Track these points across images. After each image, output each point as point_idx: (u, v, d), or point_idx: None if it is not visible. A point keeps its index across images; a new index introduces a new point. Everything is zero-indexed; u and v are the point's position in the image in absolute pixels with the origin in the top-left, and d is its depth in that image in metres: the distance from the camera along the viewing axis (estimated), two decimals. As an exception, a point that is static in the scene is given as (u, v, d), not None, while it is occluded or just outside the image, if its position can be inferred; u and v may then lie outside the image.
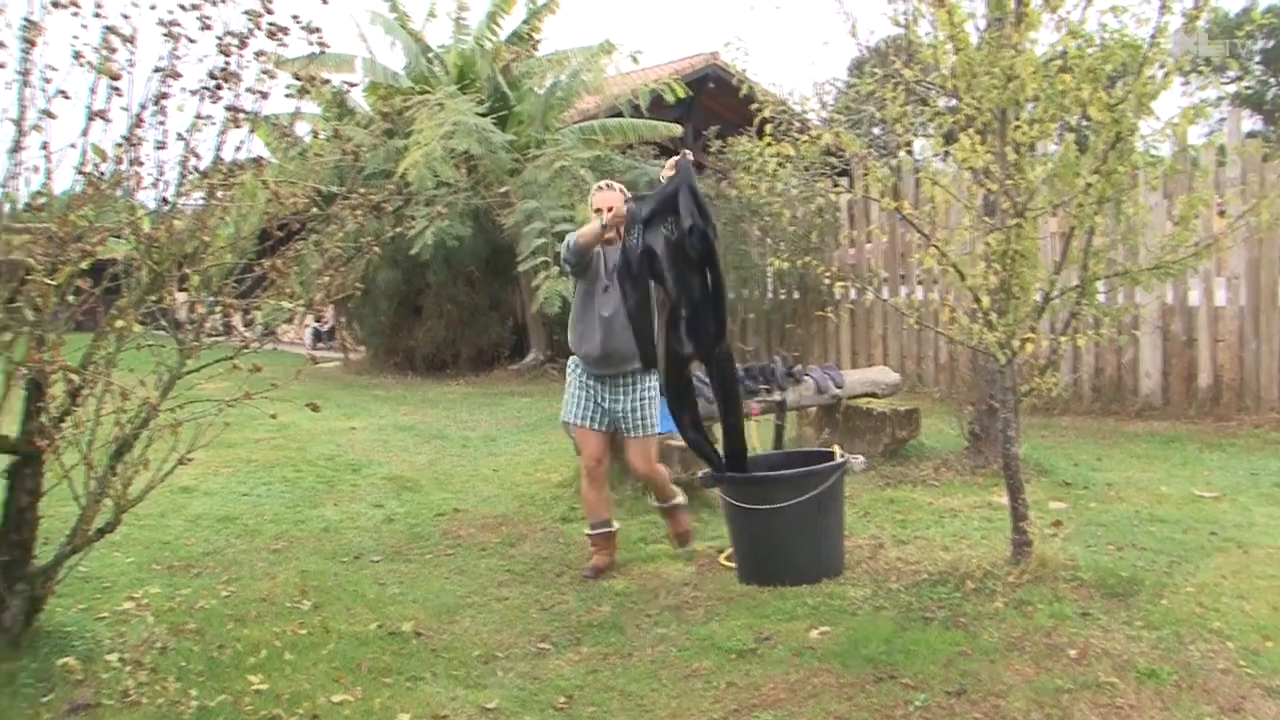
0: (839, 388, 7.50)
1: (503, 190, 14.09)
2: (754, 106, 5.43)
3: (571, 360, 5.46)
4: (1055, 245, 5.59)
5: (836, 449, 5.26)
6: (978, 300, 4.66)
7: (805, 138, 5.08)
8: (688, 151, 5.03)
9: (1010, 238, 4.51)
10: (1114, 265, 4.96)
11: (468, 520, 6.52)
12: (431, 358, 15.36)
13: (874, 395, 7.80)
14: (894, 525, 5.92)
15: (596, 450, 5.35)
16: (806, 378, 7.37)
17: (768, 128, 5.29)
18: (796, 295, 12.86)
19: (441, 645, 4.33)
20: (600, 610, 4.74)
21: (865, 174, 5.08)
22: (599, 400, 5.32)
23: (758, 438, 6.79)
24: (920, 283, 10.95)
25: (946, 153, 4.74)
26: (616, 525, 5.47)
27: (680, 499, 5.59)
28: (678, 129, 15.90)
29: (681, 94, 15.26)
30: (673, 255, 4.82)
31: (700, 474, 5.56)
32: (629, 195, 5.23)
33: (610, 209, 5.13)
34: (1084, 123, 4.66)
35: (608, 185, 5.32)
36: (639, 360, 5.19)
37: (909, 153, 5.99)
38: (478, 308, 15.11)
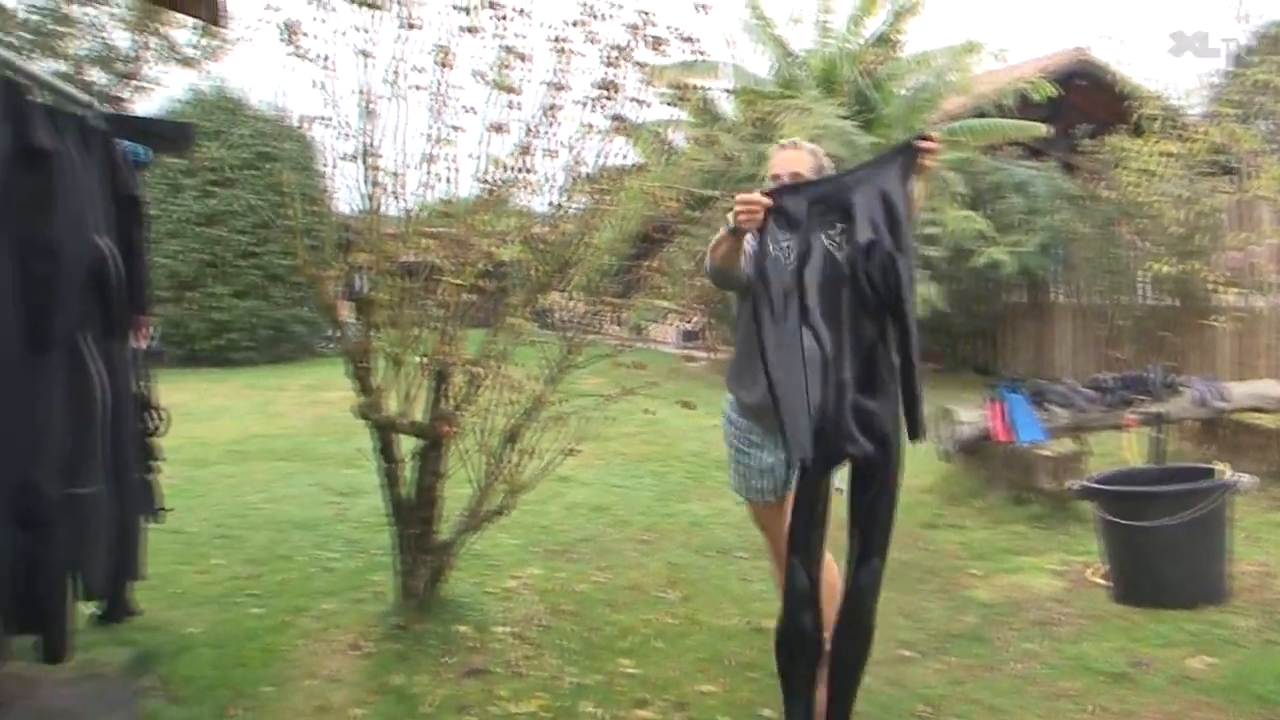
0: (1223, 401, 6.92)
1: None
2: (1128, 103, 5.06)
3: (726, 401, 3.90)
4: None
5: (1223, 467, 4.85)
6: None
7: (1192, 134, 4.69)
8: (930, 134, 3.29)
9: None
10: None
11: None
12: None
13: (1261, 410, 7.15)
14: (1285, 553, 5.39)
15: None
16: (1185, 389, 6.86)
17: (1150, 124, 4.93)
18: (1174, 301, 11.93)
19: (803, 644, 4.36)
20: (965, 620, 4.62)
21: (1257, 172, 4.62)
22: (769, 459, 3.76)
23: (1133, 450, 6.39)
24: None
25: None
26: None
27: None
28: (1042, 128, 15.15)
29: (1051, 93, 14.52)
30: (831, 276, 3.15)
31: (1073, 483, 5.26)
32: (822, 157, 3.67)
33: (791, 175, 3.50)
34: None
35: (793, 144, 3.69)
36: None
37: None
38: (840, 311, 15.04)
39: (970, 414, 6.59)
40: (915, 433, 3.15)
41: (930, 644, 4.34)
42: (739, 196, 3.24)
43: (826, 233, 3.18)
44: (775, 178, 3.50)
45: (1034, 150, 15.30)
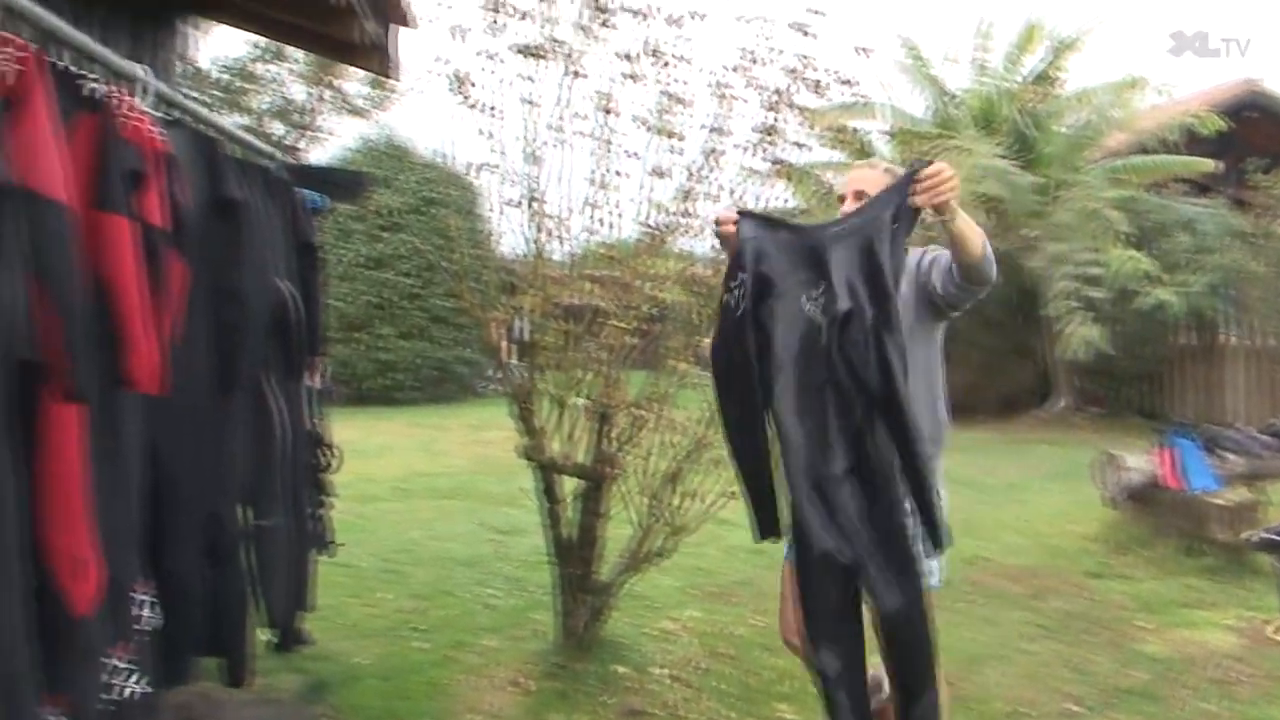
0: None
1: (1031, 234, 13.63)
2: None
3: None
4: None
5: None
6: None
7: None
8: (917, 164, 2.68)
9: None
10: None
11: (993, 569, 6.34)
12: (957, 403, 15.10)
13: None
14: None
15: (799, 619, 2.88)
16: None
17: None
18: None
19: (966, 695, 4.23)
20: (1134, 675, 4.45)
21: None
22: None
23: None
24: None
25: None
26: None
27: None
28: (1210, 164, 14.58)
29: (1219, 126, 13.95)
30: (812, 349, 2.61)
31: (1251, 534, 5.00)
32: (891, 170, 3.06)
33: (854, 194, 3.00)
34: None
35: (869, 163, 3.28)
36: None
37: None
38: (1001, 352, 14.72)
39: (1137, 460, 6.39)
40: (936, 542, 2.67)
41: (1098, 699, 4.19)
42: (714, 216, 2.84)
43: (808, 294, 2.61)
44: (840, 199, 3.09)
45: (1202, 187, 14.79)
